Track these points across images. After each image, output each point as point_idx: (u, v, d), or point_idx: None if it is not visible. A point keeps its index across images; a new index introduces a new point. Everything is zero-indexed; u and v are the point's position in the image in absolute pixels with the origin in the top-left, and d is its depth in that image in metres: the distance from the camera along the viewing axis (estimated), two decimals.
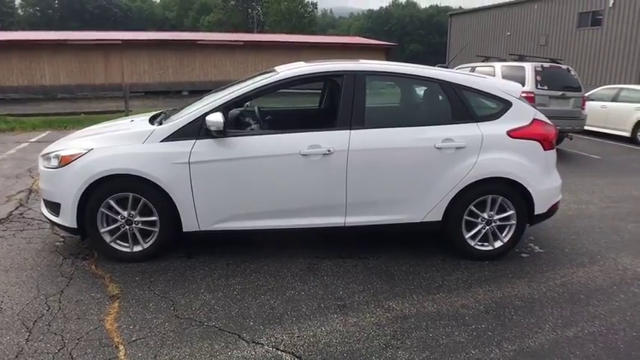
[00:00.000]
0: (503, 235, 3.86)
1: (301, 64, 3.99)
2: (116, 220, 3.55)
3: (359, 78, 3.65)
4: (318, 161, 3.51)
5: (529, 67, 8.49)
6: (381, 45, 26.92)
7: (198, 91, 12.50)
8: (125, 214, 3.54)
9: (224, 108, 3.52)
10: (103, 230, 3.55)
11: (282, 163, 3.51)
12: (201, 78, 22.16)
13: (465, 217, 3.77)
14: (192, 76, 22.27)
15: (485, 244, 3.87)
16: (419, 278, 3.52)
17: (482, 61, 9.99)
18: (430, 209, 3.71)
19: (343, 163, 3.53)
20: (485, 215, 3.79)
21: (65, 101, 16.48)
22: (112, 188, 3.48)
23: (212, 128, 3.36)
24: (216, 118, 3.33)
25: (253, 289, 3.28)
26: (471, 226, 3.82)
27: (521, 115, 3.81)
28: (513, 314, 3.04)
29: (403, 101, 4.35)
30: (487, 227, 3.82)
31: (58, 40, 19.61)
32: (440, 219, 3.75)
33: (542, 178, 3.81)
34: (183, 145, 3.46)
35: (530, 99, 7.78)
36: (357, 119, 3.59)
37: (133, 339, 2.67)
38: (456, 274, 3.60)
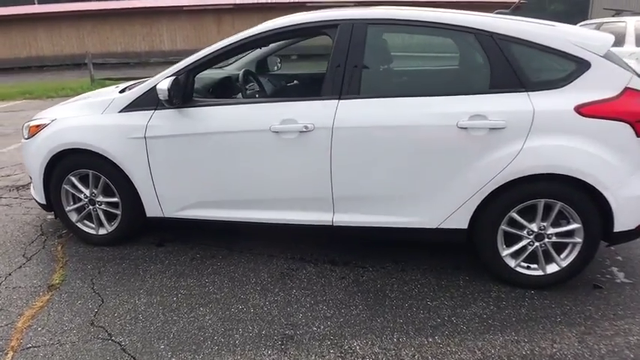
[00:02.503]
0: (563, 256, 2.68)
1: (299, 14, 3.12)
2: (80, 199, 3.21)
3: (358, 29, 2.69)
4: (293, 140, 2.70)
5: None
6: (504, 2, 23.61)
7: (307, 55, 12.12)
8: (87, 192, 3.17)
9: (187, 72, 2.85)
10: (68, 209, 3.24)
11: (249, 142, 2.78)
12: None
13: (503, 227, 2.67)
14: None
15: (534, 266, 2.73)
16: (418, 306, 2.58)
17: (613, 16, 7.76)
18: (450, 212, 2.69)
19: (326, 144, 2.66)
20: (533, 227, 2.64)
21: None
22: (72, 164, 3.11)
23: (160, 97, 2.76)
24: (163, 86, 2.71)
25: (199, 296, 2.68)
26: (511, 239, 2.71)
27: (605, 81, 2.51)
28: None
29: (420, 61, 3.24)
30: (537, 244, 2.67)
31: (175, 6, 20.67)
32: (465, 227, 2.71)
33: (631, 179, 2.51)
34: (141, 117, 2.92)
35: None
36: (351, 85, 2.66)
37: (28, 346, 2.28)
38: (475, 307, 2.57)
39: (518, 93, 2.52)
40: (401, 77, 3.17)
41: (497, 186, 2.57)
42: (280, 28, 2.81)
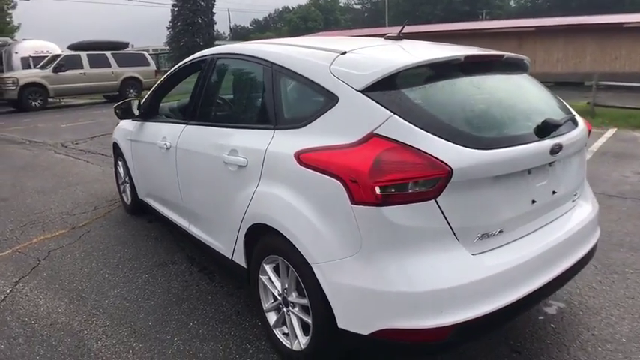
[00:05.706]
0: (308, 334, 2.25)
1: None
2: (121, 177, 4.69)
3: (210, 63, 3.06)
4: (164, 155, 3.32)
5: None
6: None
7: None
8: (122, 173, 4.60)
9: (151, 94, 3.82)
10: (119, 182, 4.78)
11: (151, 152, 3.56)
12: (626, 68, 17.77)
13: (262, 277, 2.47)
14: (614, 65, 18.14)
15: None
16: (188, 321, 2.74)
17: None
18: (232, 247, 2.68)
19: (174, 161, 3.16)
20: (278, 287, 2.35)
21: None
22: (116, 152, 4.62)
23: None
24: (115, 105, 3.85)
25: (109, 253, 3.68)
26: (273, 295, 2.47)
27: (348, 122, 1.99)
28: None
29: (236, 91, 3.09)
30: (284, 309, 2.35)
31: (474, 29, 20.90)
32: (245, 265, 2.64)
33: (349, 262, 1.91)
34: (132, 125, 4.10)
35: None
36: (195, 112, 3.09)
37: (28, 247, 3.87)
38: (214, 345, 2.53)
39: (267, 130, 2.33)
40: (218, 106, 3.15)
41: (245, 229, 2.44)
42: (184, 64, 3.47)
